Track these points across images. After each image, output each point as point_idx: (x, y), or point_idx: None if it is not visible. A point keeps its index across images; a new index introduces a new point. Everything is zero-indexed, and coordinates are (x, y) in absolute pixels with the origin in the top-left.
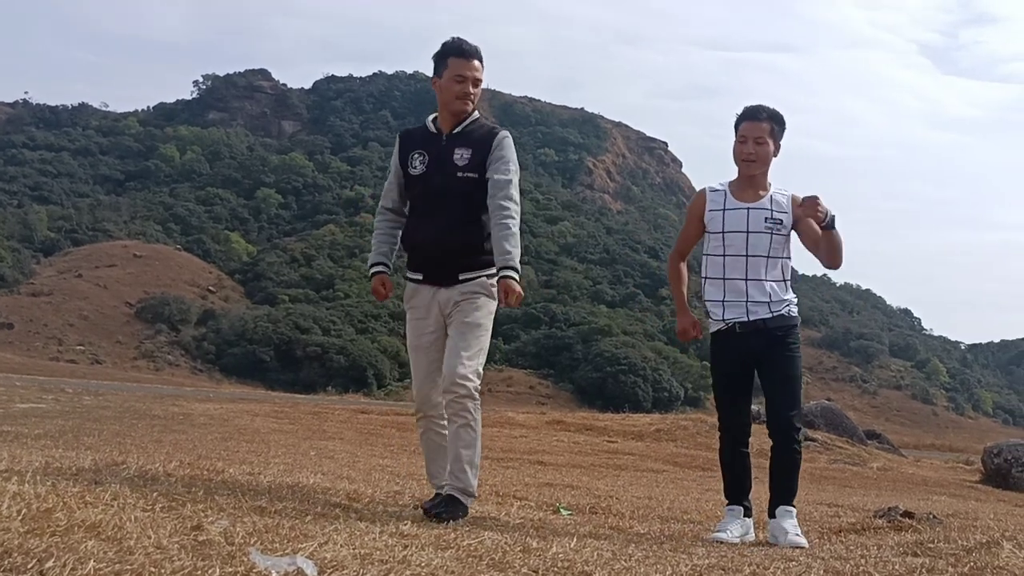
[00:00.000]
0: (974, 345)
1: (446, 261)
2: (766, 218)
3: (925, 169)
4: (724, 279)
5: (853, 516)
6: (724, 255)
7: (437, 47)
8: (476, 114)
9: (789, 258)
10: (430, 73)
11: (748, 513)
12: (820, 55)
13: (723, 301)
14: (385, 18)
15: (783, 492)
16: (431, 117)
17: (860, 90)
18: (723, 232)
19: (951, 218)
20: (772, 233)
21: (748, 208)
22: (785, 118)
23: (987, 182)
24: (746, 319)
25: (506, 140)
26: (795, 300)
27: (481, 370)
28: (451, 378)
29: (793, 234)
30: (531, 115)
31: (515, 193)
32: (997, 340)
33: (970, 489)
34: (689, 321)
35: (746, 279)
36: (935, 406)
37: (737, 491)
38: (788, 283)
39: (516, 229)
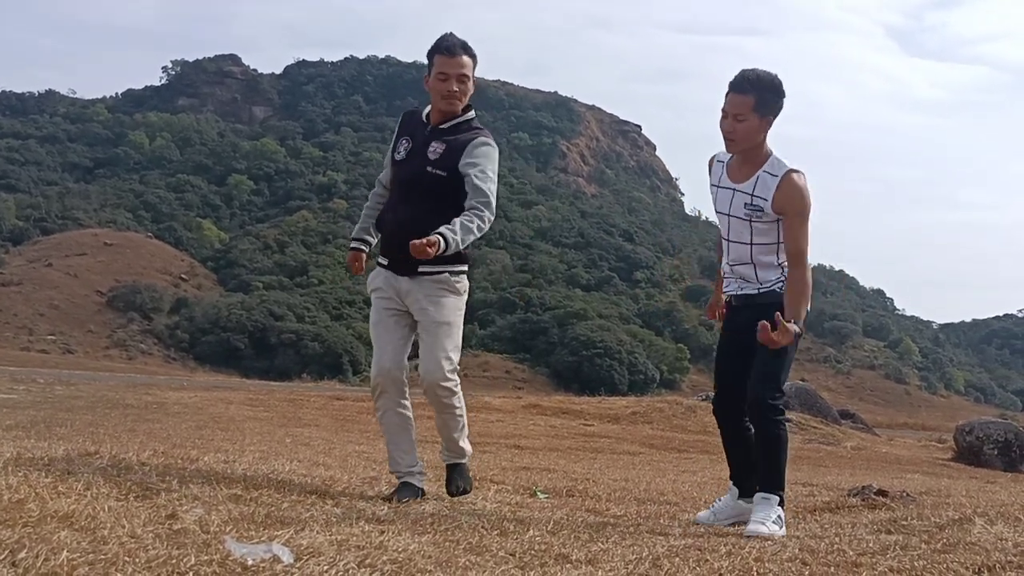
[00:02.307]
0: (946, 324)
1: (407, 251)
2: (745, 203)
3: (892, 151)
4: (724, 254)
5: (827, 495)
6: (722, 236)
7: (407, 32)
8: (471, 115)
9: (783, 243)
10: (401, 58)
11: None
12: (788, 38)
13: (724, 277)
14: (356, 2)
15: (761, 476)
16: (429, 106)
17: (828, 73)
18: (715, 210)
19: (919, 199)
20: (751, 220)
21: (734, 189)
22: (779, 83)
23: (954, 163)
24: (738, 292)
25: (485, 148)
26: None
27: (458, 363)
28: (434, 382)
29: None
30: (504, 99)
31: (492, 201)
32: (969, 319)
33: (943, 467)
34: (716, 300)
35: (730, 263)
36: (908, 385)
37: (731, 468)
38: (782, 267)
39: (475, 227)
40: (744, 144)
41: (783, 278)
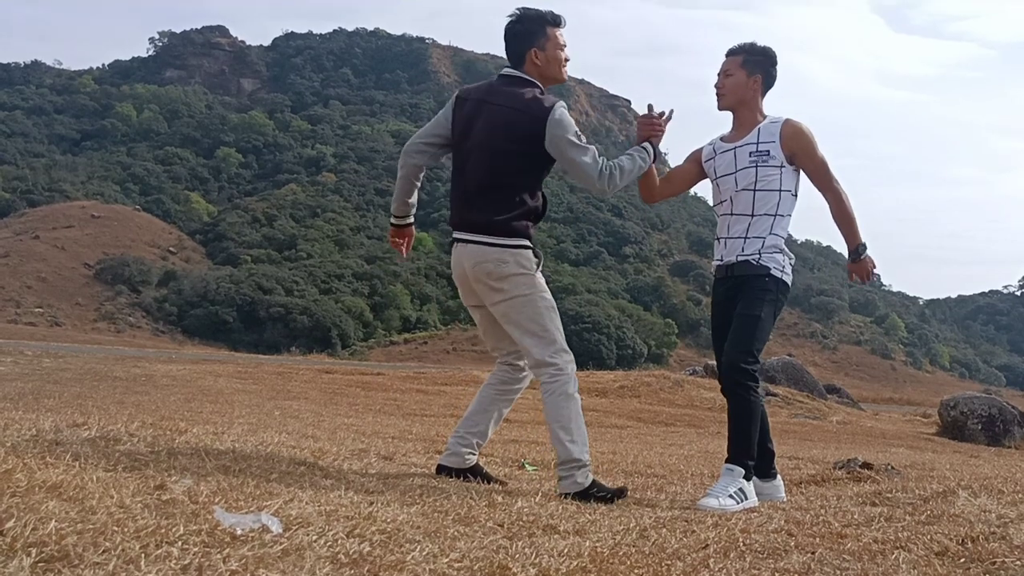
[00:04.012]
0: (932, 300)
1: None
2: (751, 152)
3: (878, 126)
4: (717, 224)
5: (813, 468)
6: (720, 201)
7: (395, 4)
8: None
9: (785, 192)
10: (390, 30)
11: (748, 476)
12: (775, 13)
13: (714, 247)
14: None
15: (729, 445)
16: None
17: (814, 48)
18: (716, 179)
19: (905, 175)
20: (757, 165)
21: (735, 148)
22: (771, 51)
23: (939, 139)
24: (720, 262)
25: None
26: (777, 246)
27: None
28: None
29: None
30: (494, 72)
31: None
32: (954, 295)
33: (927, 441)
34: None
35: (732, 213)
36: (893, 361)
37: None
38: (778, 220)
39: None
40: (731, 99)
41: (762, 250)
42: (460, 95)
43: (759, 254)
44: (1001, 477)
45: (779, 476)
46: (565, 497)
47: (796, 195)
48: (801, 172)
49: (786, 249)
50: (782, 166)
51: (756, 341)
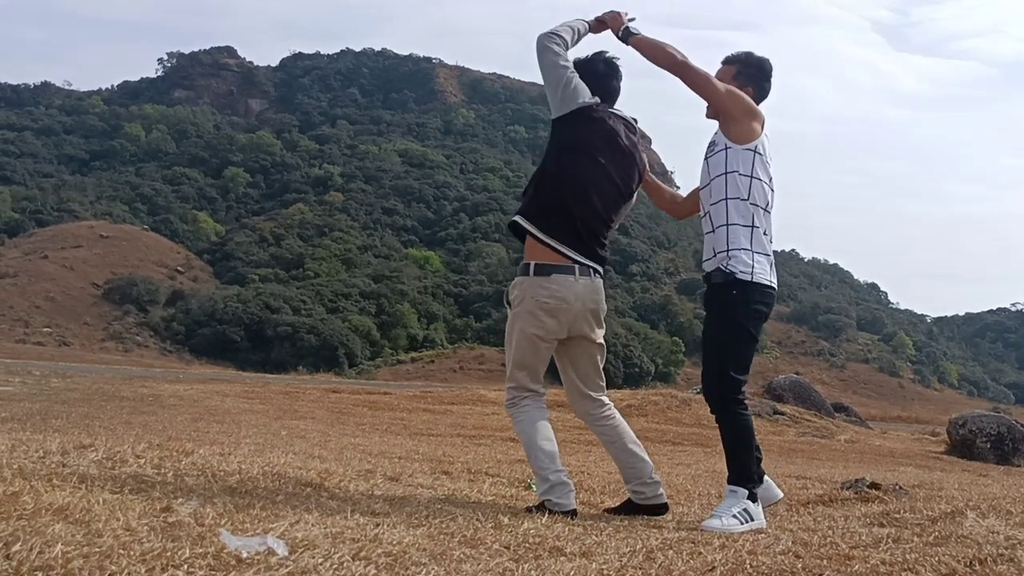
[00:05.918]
0: (940, 318)
1: None
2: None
3: (880, 144)
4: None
5: (821, 488)
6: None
7: (402, 25)
8: None
9: (732, 172)
10: (397, 50)
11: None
12: (776, 32)
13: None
14: None
15: (728, 468)
16: None
17: (815, 67)
18: (701, 187)
19: (908, 193)
20: (707, 158)
21: (706, 157)
22: (766, 65)
23: (941, 156)
24: (704, 271)
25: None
26: (738, 243)
27: (515, 381)
28: None
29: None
30: (500, 92)
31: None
32: (962, 313)
33: (935, 460)
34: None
35: (701, 217)
36: (901, 379)
37: None
38: (732, 204)
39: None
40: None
41: (729, 251)
42: None
43: (727, 256)
44: (1010, 497)
45: (765, 476)
46: (665, 510)
47: (753, 176)
48: (761, 155)
49: (754, 244)
50: (727, 148)
51: (728, 363)
